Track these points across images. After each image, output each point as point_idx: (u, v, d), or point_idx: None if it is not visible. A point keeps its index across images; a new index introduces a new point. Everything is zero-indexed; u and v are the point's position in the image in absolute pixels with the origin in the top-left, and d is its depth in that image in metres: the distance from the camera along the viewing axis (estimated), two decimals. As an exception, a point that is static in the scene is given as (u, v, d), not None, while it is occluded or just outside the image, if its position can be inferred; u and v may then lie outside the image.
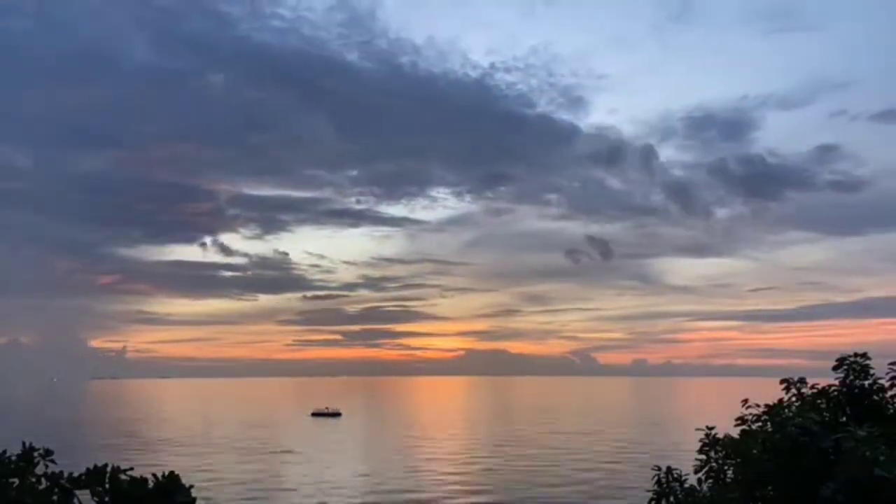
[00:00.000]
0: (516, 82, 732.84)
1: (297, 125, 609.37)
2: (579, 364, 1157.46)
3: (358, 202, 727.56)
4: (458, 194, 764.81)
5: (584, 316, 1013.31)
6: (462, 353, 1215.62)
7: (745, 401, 10.97)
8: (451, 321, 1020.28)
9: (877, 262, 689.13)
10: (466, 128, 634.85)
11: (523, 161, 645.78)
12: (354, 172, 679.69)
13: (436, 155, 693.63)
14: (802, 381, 11.33)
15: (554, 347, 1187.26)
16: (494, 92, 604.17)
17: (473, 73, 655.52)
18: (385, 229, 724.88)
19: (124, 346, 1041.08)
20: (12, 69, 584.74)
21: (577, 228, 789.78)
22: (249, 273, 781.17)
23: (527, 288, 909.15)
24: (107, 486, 7.49)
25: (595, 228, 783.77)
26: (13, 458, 7.46)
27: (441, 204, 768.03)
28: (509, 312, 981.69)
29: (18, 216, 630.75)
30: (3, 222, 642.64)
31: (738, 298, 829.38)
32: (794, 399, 11.06)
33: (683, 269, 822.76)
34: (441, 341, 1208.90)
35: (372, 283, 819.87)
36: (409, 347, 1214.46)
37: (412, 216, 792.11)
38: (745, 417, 10.84)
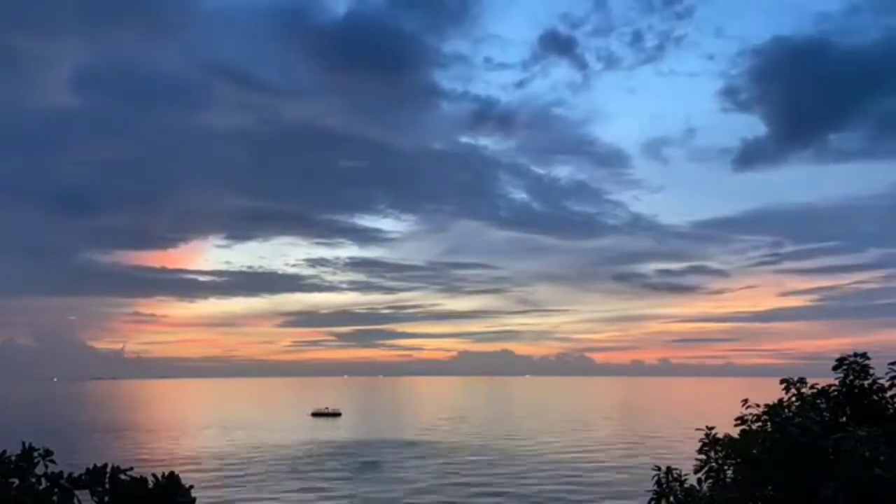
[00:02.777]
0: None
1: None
2: (576, 364, 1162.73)
3: (332, 213, 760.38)
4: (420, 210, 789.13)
5: (576, 318, 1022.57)
6: (456, 353, 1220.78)
7: (745, 401, 10.96)
8: (444, 323, 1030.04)
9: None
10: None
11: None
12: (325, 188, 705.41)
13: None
14: (802, 381, 11.32)
15: (549, 349, 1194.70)
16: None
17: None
18: (363, 238, 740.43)
19: (123, 347, 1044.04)
20: None
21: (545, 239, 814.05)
22: (243, 277, 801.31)
23: (515, 291, 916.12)
24: (107, 486, 7.50)
25: (550, 240, 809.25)
26: (13, 458, 7.47)
27: (405, 219, 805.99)
28: (501, 314, 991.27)
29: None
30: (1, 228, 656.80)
31: (722, 300, 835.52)
32: (794, 399, 11.06)
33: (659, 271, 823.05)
34: (436, 342, 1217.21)
35: (363, 287, 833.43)
36: (404, 348, 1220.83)
37: (385, 227, 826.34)
38: (745, 417, 10.83)
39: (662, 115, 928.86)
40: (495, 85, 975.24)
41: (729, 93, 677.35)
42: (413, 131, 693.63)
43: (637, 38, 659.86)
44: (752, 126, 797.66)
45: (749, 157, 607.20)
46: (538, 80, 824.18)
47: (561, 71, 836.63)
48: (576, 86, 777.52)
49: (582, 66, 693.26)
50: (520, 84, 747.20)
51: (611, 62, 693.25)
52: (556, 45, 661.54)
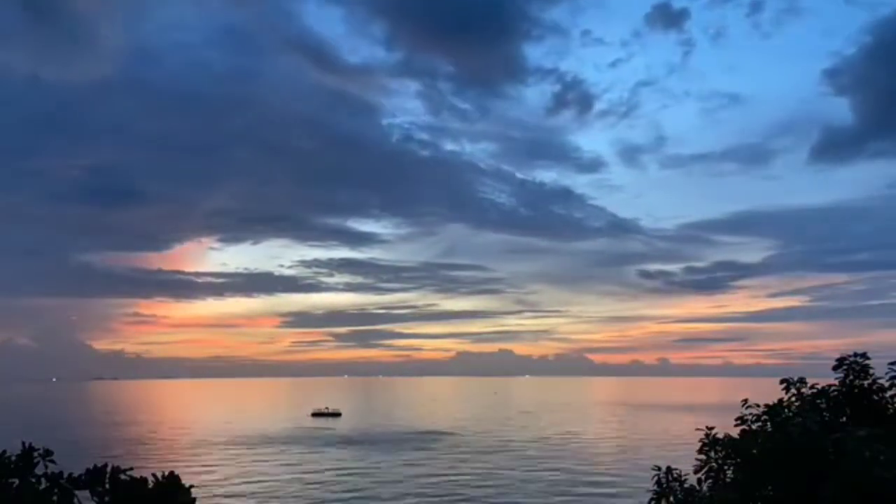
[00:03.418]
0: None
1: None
2: (575, 365, 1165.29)
3: (326, 216, 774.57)
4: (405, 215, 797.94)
5: (574, 318, 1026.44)
6: (455, 353, 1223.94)
7: (745, 401, 10.95)
8: (442, 323, 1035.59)
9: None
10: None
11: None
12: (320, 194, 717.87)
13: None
14: (802, 381, 11.31)
15: (548, 349, 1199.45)
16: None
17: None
18: (357, 240, 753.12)
19: (123, 348, 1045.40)
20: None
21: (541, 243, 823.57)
22: (240, 278, 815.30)
23: (511, 292, 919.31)
24: (107, 486, 7.49)
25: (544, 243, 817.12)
26: (13, 458, 7.46)
27: (394, 222, 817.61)
28: (498, 315, 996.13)
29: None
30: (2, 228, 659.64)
31: (720, 300, 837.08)
32: (794, 399, 11.05)
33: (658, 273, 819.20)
34: (435, 343, 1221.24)
35: (360, 288, 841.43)
36: (403, 349, 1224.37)
37: (378, 230, 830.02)
38: (745, 417, 10.82)
39: (751, 98, 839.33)
40: (589, 63, 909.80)
41: (833, 74, 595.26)
42: (479, 121, 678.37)
43: (756, 8, 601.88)
44: (840, 114, 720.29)
45: (826, 148, 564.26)
46: (636, 59, 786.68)
47: (662, 49, 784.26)
48: (673, 65, 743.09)
49: (687, 42, 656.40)
50: (613, 64, 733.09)
51: (718, 37, 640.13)
52: (666, 17, 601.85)
